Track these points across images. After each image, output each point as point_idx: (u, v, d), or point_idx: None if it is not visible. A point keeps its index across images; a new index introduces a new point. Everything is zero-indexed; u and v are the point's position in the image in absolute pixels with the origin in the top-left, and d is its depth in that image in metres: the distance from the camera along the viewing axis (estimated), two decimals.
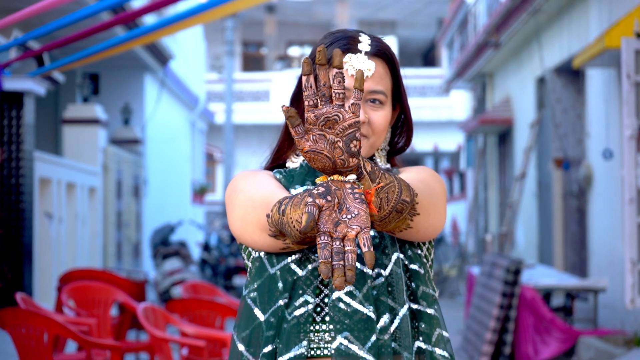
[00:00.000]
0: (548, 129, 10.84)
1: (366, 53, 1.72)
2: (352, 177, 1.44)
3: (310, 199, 1.39)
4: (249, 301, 1.69)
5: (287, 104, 1.85)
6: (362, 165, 1.46)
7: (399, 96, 1.79)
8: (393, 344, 1.62)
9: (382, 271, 1.66)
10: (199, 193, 20.29)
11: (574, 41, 9.49)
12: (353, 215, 1.38)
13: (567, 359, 6.91)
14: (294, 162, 1.81)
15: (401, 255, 1.70)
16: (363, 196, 1.41)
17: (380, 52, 1.73)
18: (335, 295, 1.62)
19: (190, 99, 18.02)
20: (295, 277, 1.65)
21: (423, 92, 24.27)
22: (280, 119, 23.82)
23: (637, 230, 5.76)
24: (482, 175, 16.13)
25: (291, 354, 1.61)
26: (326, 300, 1.64)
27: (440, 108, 24.11)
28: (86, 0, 8.57)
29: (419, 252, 1.74)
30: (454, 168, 25.59)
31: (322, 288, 1.65)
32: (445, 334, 1.70)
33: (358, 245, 1.60)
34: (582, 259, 9.97)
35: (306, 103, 1.42)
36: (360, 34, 1.74)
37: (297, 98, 1.78)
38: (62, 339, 5.56)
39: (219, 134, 23.96)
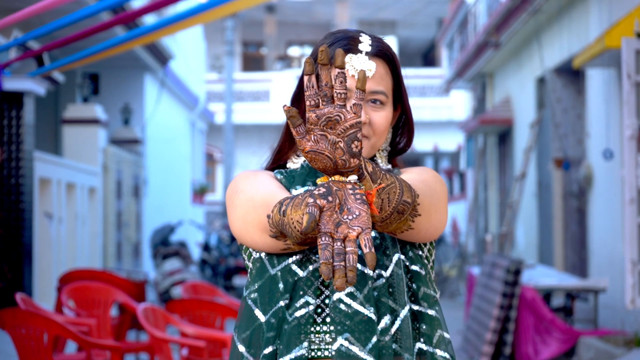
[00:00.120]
0: (548, 129, 10.84)
1: (367, 53, 1.71)
2: (353, 177, 1.44)
3: (311, 200, 1.38)
4: (249, 302, 1.69)
5: (288, 103, 1.84)
6: (363, 165, 1.45)
7: (400, 96, 1.79)
8: (394, 346, 1.62)
9: (383, 272, 1.65)
10: (199, 193, 20.29)
11: (574, 41, 9.49)
12: (354, 216, 1.38)
13: (567, 359, 6.90)
14: (295, 163, 1.80)
15: (402, 256, 1.69)
16: (364, 197, 1.40)
17: (381, 52, 1.73)
18: (336, 296, 1.61)
19: (190, 99, 18.01)
20: (296, 278, 1.65)
21: (423, 92, 24.27)
22: (280, 119, 23.83)
23: (637, 231, 5.75)
24: (482, 175, 16.13)
25: (292, 355, 1.61)
26: (327, 301, 1.64)
27: (440, 108, 24.11)
28: (86, 0, 8.57)
29: (420, 253, 1.73)
30: (454, 168, 25.59)
31: (323, 289, 1.65)
32: (446, 335, 1.70)
33: (359, 246, 1.60)
34: (582, 259, 9.97)
35: (308, 103, 1.42)
36: (361, 34, 1.73)
37: (298, 98, 1.78)
38: (62, 340, 5.55)
39: (219, 134, 23.96)
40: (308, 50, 28.49)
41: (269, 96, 24.74)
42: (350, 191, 1.41)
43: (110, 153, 12.08)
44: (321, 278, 1.64)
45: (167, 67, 14.60)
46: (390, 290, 1.65)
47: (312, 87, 1.42)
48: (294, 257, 1.66)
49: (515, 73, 12.98)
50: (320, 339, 1.63)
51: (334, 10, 24.16)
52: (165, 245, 11.45)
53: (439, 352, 1.67)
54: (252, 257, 1.74)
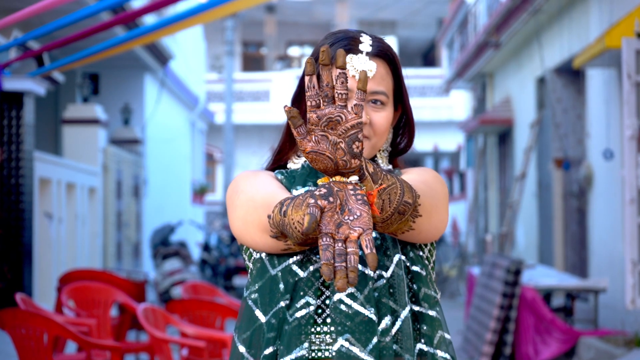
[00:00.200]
0: (548, 129, 10.83)
1: (367, 54, 1.70)
2: (354, 178, 1.43)
3: (312, 200, 1.38)
4: (250, 302, 1.69)
5: (288, 104, 1.84)
6: (364, 166, 1.45)
7: (400, 97, 1.78)
8: (394, 346, 1.61)
9: (383, 273, 1.65)
10: (199, 193, 20.29)
11: (574, 41, 9.49)
12: (355, 216, 1.37)
13: (567, 359, 6.90)
14: (296, 163, 1.80)
15: (403, 257, 1.69)
16: (365, 198, 1.40)
17: (381, 52, 1.72)
18: (337, 297, 1.61)
19: (190, 99, 18.01)
20: (296, 279, 1.64)
21: (423, 92, 24.27)
22: (280, 119, 23.82)
23: (637, 231, 5.75)
24: (482, 175, 16.13)
25: (292, 356, 1.60)
26: (327, 301, 1.63)
27: (440, 108, 24.11)
28: (86, 0, 8.57)
29: (421, 253, 1.73)
30: (454, 168, 25.59)
31: (324, 289, 1.64)
32: (447, 336, 1.70)
33: (360, 247, 1.59)
34: (583, 259, 9.97)
35: (308, 103, 1.41)
36: (362, 34, 1.73)
37: (298, 98, 1.77)
38: (62, 340, 5.55)
39: (219, 134, 23.96)
40: (308, 50, 28.49)
41: (269, 96, 24.73)
42: (352, 192, 1.41)
43: (110, 153, 12.07)
44: (322, 278, 1.64)
45: (167, 67, 14.60)
46: (391, 291, 1.64)
47: (313, 87, 1.41)
48: (295, 257, 1.66)
49: (515, 73, 12.98)
50: (321, 340, 1.62)
51: (334, 10, 24.16)
52: (165, 246, 11.45)
53: (439, 353, 1.67)
54: (253, 258, 1.73)
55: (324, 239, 1.35)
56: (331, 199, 1.38)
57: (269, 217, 1.54)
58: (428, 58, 29.37)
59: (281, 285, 1.65)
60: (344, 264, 1.33)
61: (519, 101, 12.81)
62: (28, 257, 8.43)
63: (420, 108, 23.16)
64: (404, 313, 1.63)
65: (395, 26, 26.32)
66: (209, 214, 22.43)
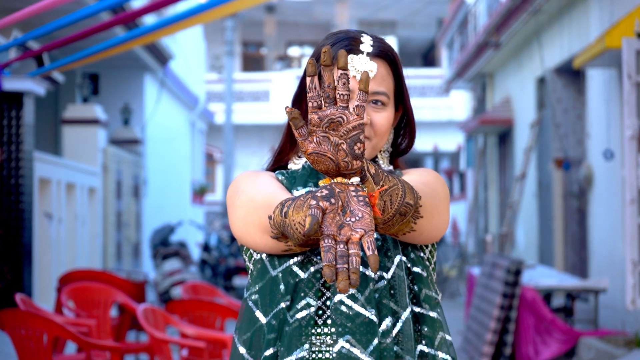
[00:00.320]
0: (548, 129, 10.83)
1: (368, 54, 1.70)
2: (355, 179, 1.43)
3: (313, 202, 1.37)
4: (250, 303, 1.68)
5: (288, 104, 1.83)
6: (365, 167, 1.44)
7: (401, 97, 1.78)
8: (395, 348, 1.61)
9: (384, 274, 1.64)
10: (199, 193, 20.28)
11: (574, 41, 9.48)
12: (357, 218, 1.37)
13: (567, 359, 6.90)
14: (296, 164, 1.79)
15: (404, 258, 1.68)
16: (367, 199, 1.40)
17: (382, 53, 1.71)
18: (337, 298, 1.61)
19: (190, 99, 18.01)
20: (297, 280, 1.64)
21: (423, 92, 24.27)
22: (280, 119, 23.82)
23: (637, 231, 5.74)
24: (482, 175, 16.12)
25: (293, 357, 1.60)
26: (328, 303, 1.62)
27: (440, 108, 24.11)
28: (86, 0, 8.56)
29: (422, 254, 1.72)
30: (454, 168, 25.59)
31: (324, 291, 1.64)
32: (448, 337, 1.69)
33: (362, 249, 1.59)
34: (583, 259, 9.96)
35: (310, 104, 1.41)
36: (363, 34, 1.72)
37: (299, 99, 1.77)
38: (61, 340, 5.54)
39: (219, 134, 23.96)
40: (308, 51, 28.50)
41: (269, 96, 24.73)
42: (353, 193, 1.40)
43: (110, 153, 12.07)
44: (322, 279, 1.63)
45: (167, 67, 14.59)
46: (392, 292, 1.64)
47: (315, 88, 1.41)
48: (295, 258, 1.65)
49: (515, 73, 12.98)
50: (321, 341, 1.61)
51: (333, 11, 24.16)
52: (165, 246, 11.44)
53: (440, 355, 1.66)
54: (253, 259, 1.73)
55: (326, 241, 1.34)
56: (333, 201, 1.38)
57: (269, 218, 1.53)
58: (428, 58, 29.37)
59: (282, 286, 1.64)
60: (345, 266, 1.32)
61: (519, 101, 12.80)
62: (28, 258, 8.42)
63: (420, 108, 23.15)
64: (405, 314, 1.63)
65: (395, 26, 26.32)
66: (208, 214, 22.42)
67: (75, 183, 10.40)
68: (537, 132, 11.13)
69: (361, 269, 1.62)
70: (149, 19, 11.97)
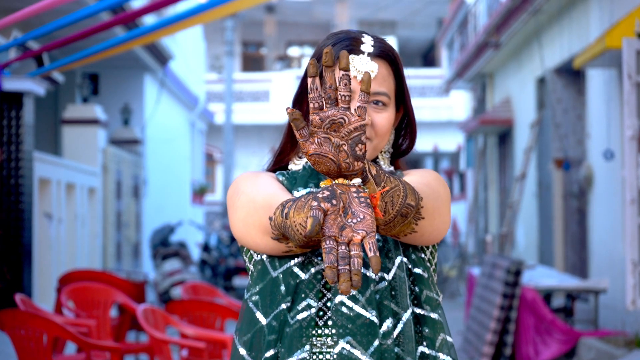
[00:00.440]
0: (548, 130, 10.83)
1: (369, 54, 1.69)
2: (357, 180, 1.42)
3: (315, 203, 1.37)
4: (250, 304, 1.68)
5: (288, 104, 1.83)
6: (367, 168, 1.44)
7: (402, 98, 1.77)
8: (396, 349, 1.60)
9: (385, 275, 1.64)
10: (199, 193, 20.27)
11: (574, 41, 9.48)
12: (359, 219, 1.36)
13: None
14: (297, 164, 1.79)
15: (405, 259, 1.68)
16: (368, 200, 1.39)
17: (383, 53, 1.71)
18: (338, 299, 1.60)
19: (189, 99, 18.00)
20: (298, 281, 1.63)
21: (423, 93, 24.27)
22: (279, 119, 23.83)
23: (638, 231, 5.74)
24: (482, 175, 16.12)
25: (293, 359, 1.60)
26: (329, 304, 1.62)
27: (440, 108, 24.10)
28: (86, 0, 8.56)
29: (423, 255, 1.72)
30: (453, 168, 25.58)
31: (325, 292, 1.63)
32: (449, 339, 1.69)
33: (363, 250, 1.58)
34: (583, 259, 9.96)
35: (311, 105, 1.40)
36: (363, 34, 1.72)
37: (299, 99, 1.76)
38: (61, 341, 5.54)
39: (219, 134, 23.95)
40: (308, 51, 28.50)
41: (269, 96, 24.73)
42: (355, 194, 1.40)
43: (110, 153, 12.06)
44: (323, 280, 1.63)
45: (167, 67, 14.59)
46: (393, 293, 1.63)
47: (316, 89, 1.40)
48: (296, 259, 1.65)
49: (515, 73, 12.97)
50: (322, 342, 1.61)
51: (333, 11, 24.15)
52: (165, 246, 11.44)
53: (441, 356, 1.66)
54: (253, 260, 1.72)
55: (327, 242, 1.34)
56: (334, 202, 1.37)
57: (270, 219, 1.53)
58: (428, 58, 29.37)
59: (282, 288, 1.64)
60: (347, 267, 1.32)
61: (519, 101, 12.80)
62: (27, 258, 8.42)
63: (420, 108, 23.15)
64: (406, 316, 1.63)
65: (395, 26, 26.32)
66: (208, 214, 22.42)
67: (75, 183, 10.39)
68: (537, 132, 11.13)
69: (362, 270, 1.61)
70: (149, 19, 11.96)
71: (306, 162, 1.77)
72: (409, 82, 22.71)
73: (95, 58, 5.61)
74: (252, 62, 28.66)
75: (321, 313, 1.62)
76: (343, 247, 1.34)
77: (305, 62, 28.14)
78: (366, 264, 1.62)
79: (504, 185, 14.71)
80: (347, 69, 1.39)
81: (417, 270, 1.69)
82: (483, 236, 15.21)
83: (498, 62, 13.78)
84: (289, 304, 1.62)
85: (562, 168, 10.05)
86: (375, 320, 1.59)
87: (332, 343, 1.60)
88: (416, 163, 27.33)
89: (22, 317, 4.63)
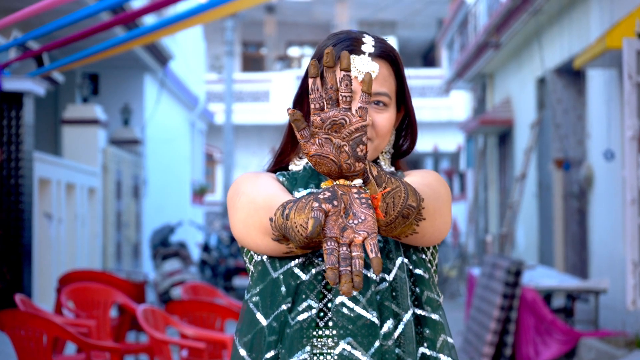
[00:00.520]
0: (548, 130, 10.82)
1: (370, 54, 1.69)
2: (358, 181, 1.42)
3: (316, 204, 1.36)
4: (251, 305, 1.67)
5: (288, 104, 1.82)
6: (368, 169, 1.44)
7: (403, 98, 1.77)
8: (397, 350, 1.60)
9: (386, 276, 1.63)
10: (199, 193, 20.27)
11: (574, 42, 9.48)
12: (360, 220, 1.36)
13: None
14: (297, 165, 1.78)
15: (405, 260, 1.67)
16: (370, 201, 1.39)
17: (384, 53, 1.70)
18: (339, 300, 1.60)
19: (189, 99, 18.00)
20: (298, 282, 1.63)
21: (423, 93, 24.27)
22: (279, 119, 23.82)
23: (638, 232, 5.74)
24: (482, 175, 16.12)
25: None
26: (329, 304, 1.62)
27: (440, 108, 24.10)
28: (86, 0, 8.55)
29: (424, 256, 1.72)
30: (453, 169, 25.58)
31: (326, 293, 1.63)
32: (450, 340, 1.68)
33: (364, 251, 1.58)
34: (583, 260, 9.96)
35: (312, 106, 1.40)
36: (364, 35, 1.71)
37: (300, 100, 1.76)
38: (61, 341, 5.53)
39: (219, 134, 23.95)
40: (308, 51, 28.49)
41: (269, 96, 24.72)
42: (356, 195, 1.39)
43: (110, 153, 12.06)
44: (324, 281, 1.62)
45: (167, 68, 14.59)
46: (394, 294, 1.63)
47: (317, 90, 1.40)
48: (297, 260, 1.64)
49: (515, 73, 12.97)
50: (323, 343, 1.61)
51: (333, 11, 24.15)
52: (164, 246, 11.43)
53: (442, 357, 1.66)
54: (254, 260, 1.72)
55: (329, 243, 1.33)
56: (335, 203, 1.37)
57: (270, 220, 1.52)
58: (428, 58, 29.37)
59: (283, 288, 1.63)
60: (349, 268, 1.31)
61: (519, 102, 12.80)
62: (27, 258, 8.41)
63: (420, 108, 23.15)
64: (407, 316, 1.62)
65: (395, 26, 26.32)
66: (208, 214, 22.42)
67: (75, 183, 10.39)
68: (537, 133, 11.13)
69: (363, 271, 1.61)
70: (149, 19, 11.96)
71: (307, 163, 1.77)
72: (409, 83, 22.71)
73: (95, 58, 5.61)
74: (252, 62, 28.66)
75: (322, 314, 1.62)
76: (344, 248, 1.33)
77: (305, 62, 28.15)
78: (367, 265, 1.62)
79: (504, 185, 14.71)
80: (348, 70, 1.39)
81: (418, 271, 1.69)
82: (483, 236, 15.21)
83: (498, 62, 13.78)
84: (289, 305, 1.62)
85: (563, 168, 10.05)
86: (376, 321, 1.59)
87: (333, 344, 1.60)
88: (416, 163, 27.34)
89: (22, 317, 4.62)
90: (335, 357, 1.58)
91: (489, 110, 14.53)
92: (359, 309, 1.59)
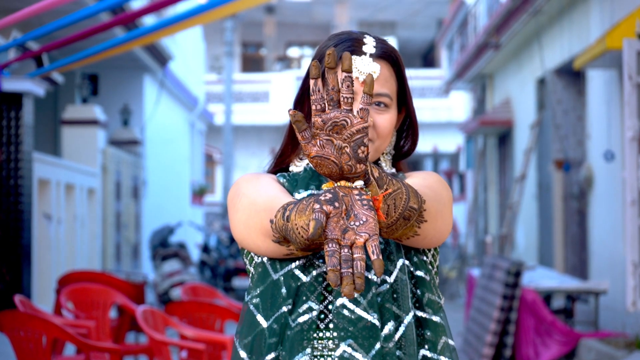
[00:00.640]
0: (548, 130, 10.82)
1: (371, 55, 1.68)
2: (359, 183, 1.41)
3: (317, 206, 1.36)
4: (251, 307, 1.67)
5: (288, 105, 1.82)
6: (369, 171, 1.43)
7: (404, 99, 1.76)
8: (398, 352, 1.59)
9: (387, 278, 1.63)
10: (198, 194, 20.26)
11: (574, 42, 9.47)
12: (361, 222, 1.35)
13: None
14: (298, 166, 1.77)
15: (406, 262, 1.67)
16: (371, 203, 1.38)
17: (385, 54, 1.70)
18: (339, 301, 1.59)
19: (189, 100, 17.99)
20: (299, 283, 1.62)
21: (423, 93, 24.26)
22: (279, 120, 23.82)
23: (638, 232, 5.73)
24: (482, 176, 16.11)
25: None
26: (330, 306, 1.61)
27: (440, 109, 24.10)
28: (86, 1, 8.55)
29: (425, 258, 1.71)
30: (453, 169, 25.58)
31: (326, 294, 1.62)
32: (451, 342, 1.68)
33: (366, 253, 1.57)
34: (583, 260, 9.95)
35: (314, 107, 1.39)
36: (365, 35, 1.71)
37: (300, 100, 1.75)
38: (60, 342, 5.53)
39: (218, 135, 23.94)
40: (307, 51, 28.49)
41: (269, 97, 24.72)
42: (357, 197, 1.38)
43: (110, 154, 12.05)
44: (325, 283, 1.62)
45: (167, 68, 14.58)
46: (395, 296, 1.62)
47: (318, 91, 1.39)
48: (297, 262, 1.64)
49: (515, 74, 12.97)
50: (323, 345, 1.60)
51: (333, 11, 24.15)
52: (164, 247, 11.42)
53: (443, 359, 1.65)
54: (254, 262, 1.71)
55: (330, 245, 1.33)
56: (337, 204, 1.36)
57: (271, 221, 1.51)
58: (428, 59, 29.37)
59: (283, 290, 1.63)
60: (350, 270, 1.31)
61: (519, 102, 12.79)
62: (27, 259, 8.41)
63: (420, 109, 23.14)
64: (408, 318, 1.62)
65: (395, 27, 26.32)
66: (208, 215, 22.41)
67: (74, 184, 10.38)
68: (537, 133, 11.12)
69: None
70: (149, 20, 11.95)
71: (307, 164, 1.76)
72: (409, 83, 22.70)
73: (95, 58, 5.60)
74: (252, 63, 28.66)
75: (322, 316, 1.61)
76: (346, 250, 1.32)
77: (305, 62, 28.16)
78: (368, 267, 1.62)
79: (503, 186, 14.70)
80: (349, 71, 1.38)
81: (419, 273, 1.68)
82: (483, 237, 15.21)
83: (498, 63, 13.77)
84: (290, 307, 1.61)
85: (562, 169, 10.04)
86: (377, 323, 1.58)
87: (334, 346, 1.59)
88: (416, 164, 27.34)
89: (21, 318, 4.62)
90: (336, 359, 1.57)
91: (489, 110, 14.53)
92: (359, 311, 1.58)
